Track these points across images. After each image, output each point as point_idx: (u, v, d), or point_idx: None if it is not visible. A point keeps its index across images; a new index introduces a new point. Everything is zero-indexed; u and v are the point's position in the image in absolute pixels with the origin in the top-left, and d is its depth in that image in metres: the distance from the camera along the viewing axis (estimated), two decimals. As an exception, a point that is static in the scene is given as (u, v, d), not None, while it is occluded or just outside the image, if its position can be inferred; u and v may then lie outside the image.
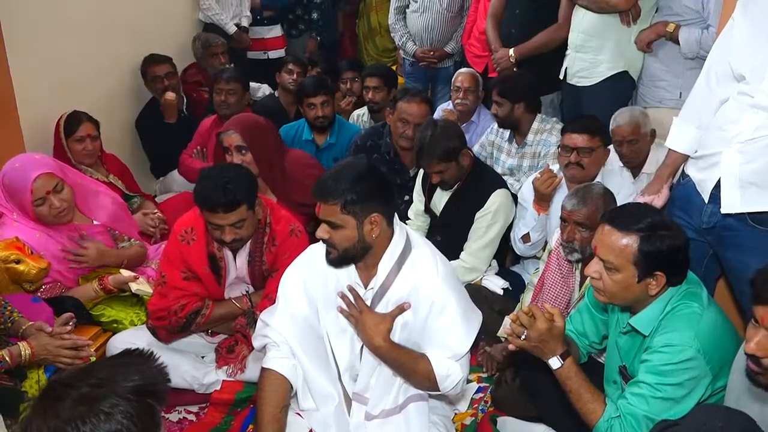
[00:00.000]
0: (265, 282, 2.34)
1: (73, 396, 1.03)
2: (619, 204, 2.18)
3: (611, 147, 2.78)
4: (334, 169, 1.84)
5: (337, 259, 1.84)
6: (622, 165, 2.87)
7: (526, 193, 2.79)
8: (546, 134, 3.18)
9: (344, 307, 1.88)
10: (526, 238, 2.74)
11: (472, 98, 3.67)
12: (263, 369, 1.93)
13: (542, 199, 2.66)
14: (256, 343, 2.04)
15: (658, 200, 2.19)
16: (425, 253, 1.90)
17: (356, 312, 1.85)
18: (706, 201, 1.99)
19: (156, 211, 3.09)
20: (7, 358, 1.84)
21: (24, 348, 1.88)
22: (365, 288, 1.91)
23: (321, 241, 1.86)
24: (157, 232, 3.00)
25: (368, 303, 1.87)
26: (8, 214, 2.43)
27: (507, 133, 3.32)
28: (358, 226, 1.78)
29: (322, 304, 1.95)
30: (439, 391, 1.86)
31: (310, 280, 1.95)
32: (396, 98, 3.23)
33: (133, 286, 2.45)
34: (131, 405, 1.04)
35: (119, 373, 1.08)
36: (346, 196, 1.74)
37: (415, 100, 3.13)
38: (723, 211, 1.92)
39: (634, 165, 2.84)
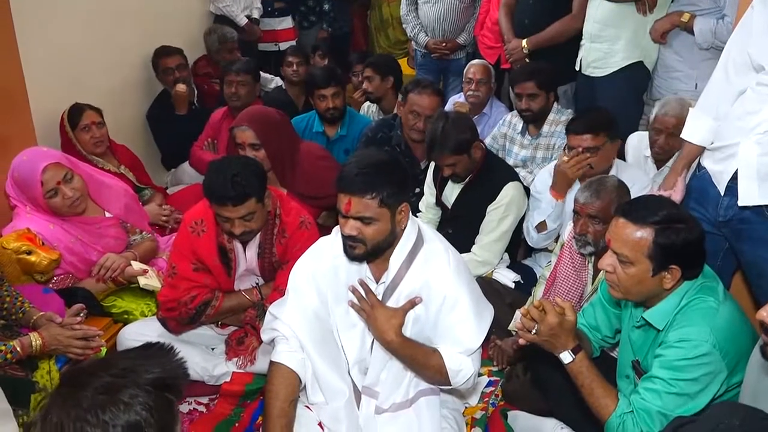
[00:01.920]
0: (275, 274, 2.33)
1: (94, 385, 1.03)
2: (633, 197, 2.14)
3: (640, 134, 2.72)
4: (359, 163, 1.75)
5: (363, 255, 1.79)
6: (648, 155, 2.80)
7: (539, 185, 2.75)
8: (560, 126, 3.14)
9: (355, 301, 1.86)
10: (541, 226, 2.69)
11: (485, 90, 3.64)
12: (272, 363, 1.92)
13: (564, 185, 2.59)
14: (265, 336, 2.02)
15: (676, 194, 2.15)
16: (437, 247, 1.88)
17: (367, 306, 1.83)
18: (722, 193, 1.96)
19: (167, 206, 3.10)
20: (18, 349, 1.85)
21: (35, 338, 1.88)
22: (376, 282, 1.89)
23: (346, 238, 1.78)
24: (171, 221, 3.01)
25: (379, 297, 1.86)
26: (21, 207, 2.43)
27: (520, 125, 3.28)
28: (391, 217, 1.76)
29: (332, 297, 1.93)
30: (451, 385, 1.85)
31: (319, 273, 1.94)
32: (407, 90, 3.20)
33: (142, 281, 2.44)
34: (150, 397, 1.04)
35: (140, 365, 1.08)
36: (385, 189, 1.70)
37: (426, 92, 3.10)
38: (740, 203, 1.89)
39: (662, 158, 2.75)
